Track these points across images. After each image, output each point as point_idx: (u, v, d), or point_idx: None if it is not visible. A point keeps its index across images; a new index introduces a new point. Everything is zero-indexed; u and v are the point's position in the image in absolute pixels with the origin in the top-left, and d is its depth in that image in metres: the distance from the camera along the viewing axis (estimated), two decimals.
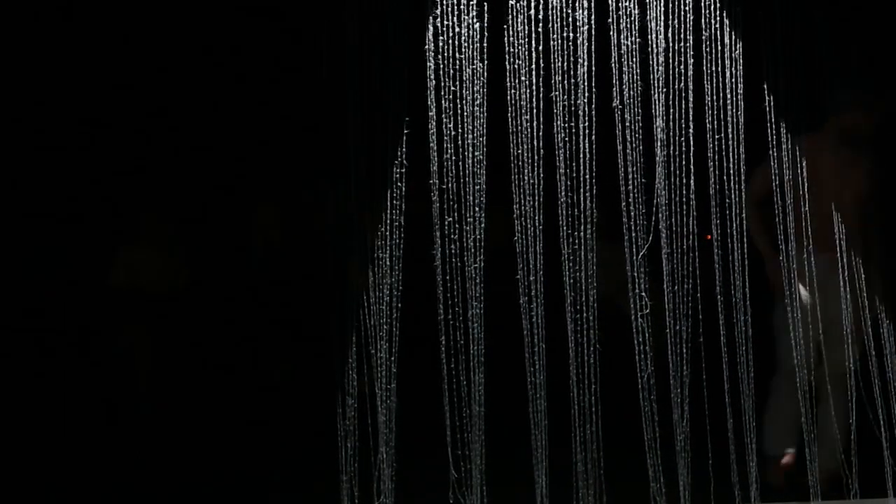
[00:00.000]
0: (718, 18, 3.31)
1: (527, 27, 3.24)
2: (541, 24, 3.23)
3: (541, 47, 3.23)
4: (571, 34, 3.24)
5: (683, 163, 3.29)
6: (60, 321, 4.90)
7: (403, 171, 3.31)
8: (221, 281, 4.99)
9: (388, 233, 3.33)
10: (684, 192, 3.29)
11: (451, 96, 3.26)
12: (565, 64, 3.25)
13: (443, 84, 3.25)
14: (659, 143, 3.29)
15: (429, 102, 3.27)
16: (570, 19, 3.24)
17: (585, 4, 3.23)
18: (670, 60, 3.28)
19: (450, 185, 3.27)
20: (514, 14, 3.25)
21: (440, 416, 3.31)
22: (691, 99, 3.30)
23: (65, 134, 4.80)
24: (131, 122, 4.64)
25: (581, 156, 3.25)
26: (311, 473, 3.96)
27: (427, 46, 3.25)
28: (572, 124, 3.25)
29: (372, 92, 3.30)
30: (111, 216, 4.86)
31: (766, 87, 3.37)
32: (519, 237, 3.27)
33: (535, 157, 3.26)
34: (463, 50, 3.24)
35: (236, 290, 5.04)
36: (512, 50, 3.25)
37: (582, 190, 3.26)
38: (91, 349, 4.92)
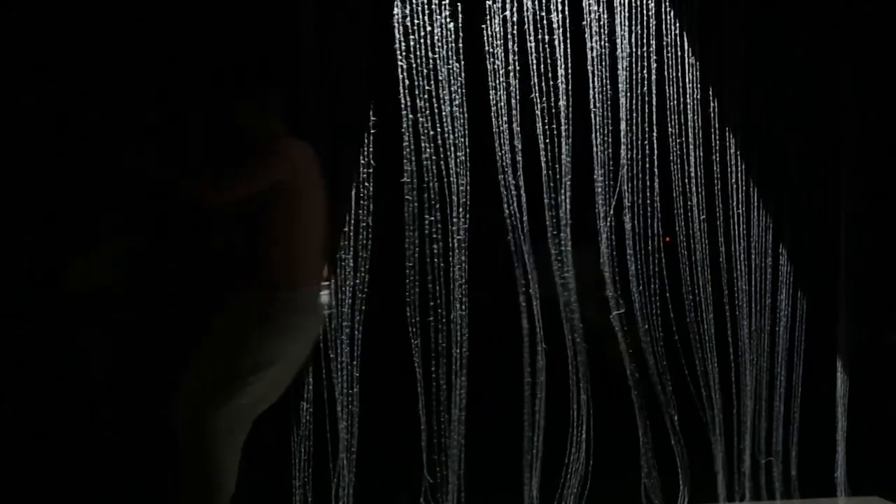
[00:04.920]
0: (675, 28, 3.40)
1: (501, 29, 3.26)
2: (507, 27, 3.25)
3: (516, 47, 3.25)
4: (548, 36, 3.27)
5: (647, 166, 3.37)
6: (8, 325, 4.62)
7: (370, 170, 3.25)
8: (176, 281, 4.81)
9: (352, 233, 3.27)
10: (648, 194, 3.37)
11: (425, 96, 3.23)
12: (543, 66, 3.27)
13: (416, 84, 3.22)
14: (624, 148, 3.36)
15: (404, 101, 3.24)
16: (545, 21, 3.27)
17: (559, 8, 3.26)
18: (633, 68, 3.36)
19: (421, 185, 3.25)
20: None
21: (398, 421, 3.28)
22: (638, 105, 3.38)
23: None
24: (76, 121, 4.39)
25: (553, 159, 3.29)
26: (267, 479, 3.86)
27: (398, 46, 3.21)
28: (553, 126, 3.28)
29: (337, 91, 3.24)
30: (55, 218, 4.60)
31: (710, 91, 3.48)
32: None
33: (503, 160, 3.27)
34: (436, 50, 3.22)
35: (192, 292, 4.86)
36: (491, 51, 3.26)
37: (558, 194, 3.29)
38: (39, 352, 4.65)
